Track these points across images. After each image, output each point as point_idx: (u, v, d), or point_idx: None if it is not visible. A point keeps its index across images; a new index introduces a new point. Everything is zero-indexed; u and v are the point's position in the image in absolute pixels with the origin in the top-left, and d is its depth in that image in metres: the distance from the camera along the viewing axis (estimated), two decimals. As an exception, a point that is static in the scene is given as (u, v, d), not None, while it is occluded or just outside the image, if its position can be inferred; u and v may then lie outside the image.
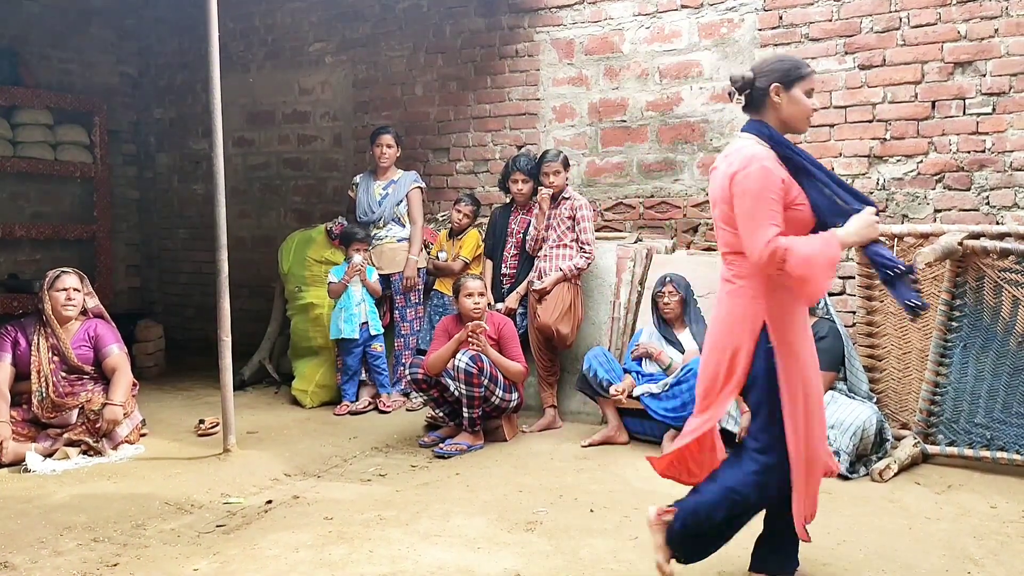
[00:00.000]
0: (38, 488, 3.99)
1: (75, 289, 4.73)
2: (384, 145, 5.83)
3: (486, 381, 4.57)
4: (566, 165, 5.26)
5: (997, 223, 4.70)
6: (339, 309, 5.65)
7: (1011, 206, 4.73)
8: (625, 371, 4.77)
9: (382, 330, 5.73)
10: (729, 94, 2.75)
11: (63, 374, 4.64)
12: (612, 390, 4.60)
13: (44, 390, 4.57)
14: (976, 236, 4.16)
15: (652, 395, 4.52)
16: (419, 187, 5.91)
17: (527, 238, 5.37)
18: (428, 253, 5.96)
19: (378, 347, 5.70)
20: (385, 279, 5.79)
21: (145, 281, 8.38)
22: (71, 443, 4.47)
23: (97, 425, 4.50)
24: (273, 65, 7.43)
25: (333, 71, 7.12)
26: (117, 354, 4.75)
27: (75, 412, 4.57)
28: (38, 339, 4.64)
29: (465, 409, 4.61)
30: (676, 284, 4.74)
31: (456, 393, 4.69)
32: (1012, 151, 4.72)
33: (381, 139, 5.85)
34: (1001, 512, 3.53)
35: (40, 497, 3.86)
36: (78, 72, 7.68)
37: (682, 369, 4.52)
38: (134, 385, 4.86)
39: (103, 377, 4.74)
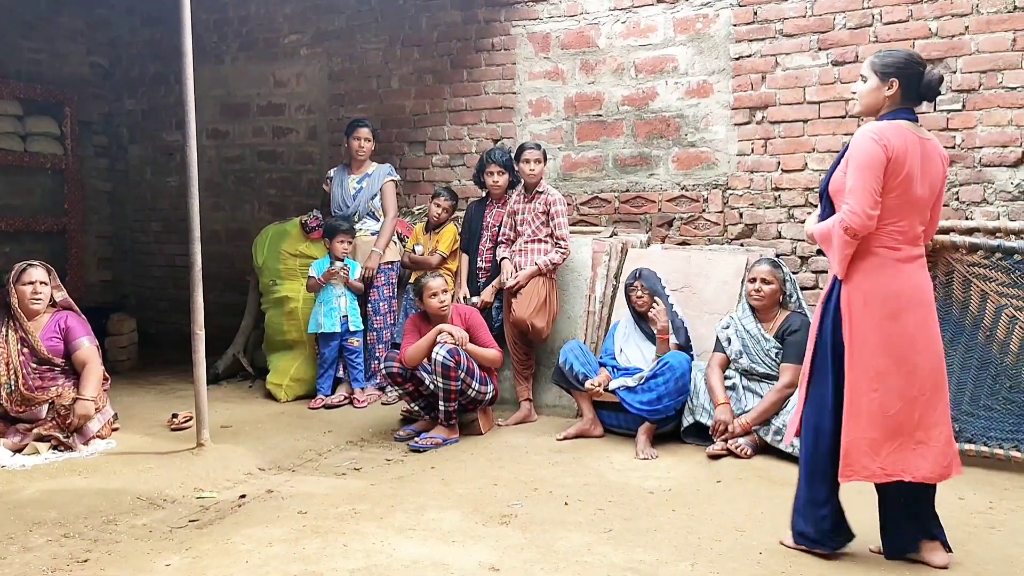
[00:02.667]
0: (7, 483, 3.94)
1: (42, 282, 4.66)
2: (362, 138, 5.80)
3: (463, 374, 4.58)
4: (545, 157, 5.26)
5: (967, 218, 4.76)
6: (319, 303, 5.63)
7: (980, 202, 4.80)
8: (601, 364, 4.79)
9: (362, 327, 5.72)
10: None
11: (33, 366, 4.58)
12: (588, 383, 4.62)
13: (13, 383, 4.51)
14: (946, 231, 4.21)
15: (628, 388, 4.53)
16: (393, 180, 5.89)
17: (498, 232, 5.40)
18: (403, 247, 5.95)
19: (355, 341, 5.68)
20: (359, 273, 5.78)
21: (117, 274, 8.28)
22: (41, 438, 4.42)
23: (68, 420, 4.45)
24: (247, 57, 7.37)
25: (308, 63, 7.08)
26: (87, 347, 4.69)
27: (45, 407, 4.52)
28: (7, 331, 4.59)
29: (441, 402, 4.61)
30: (644, 281, 4.76)
31: (432, 387, 4.68)
32: (981, 147, 4.78)
33: (359, 132, 5.81)
34: (969, 503, 3.59)
35: (9, 493, 3.81)
36: (48, 62, 7.57)
37: (658, 363, 4.54)
38: (106, 379, 4.81)
39: (73, 370, 4.68)
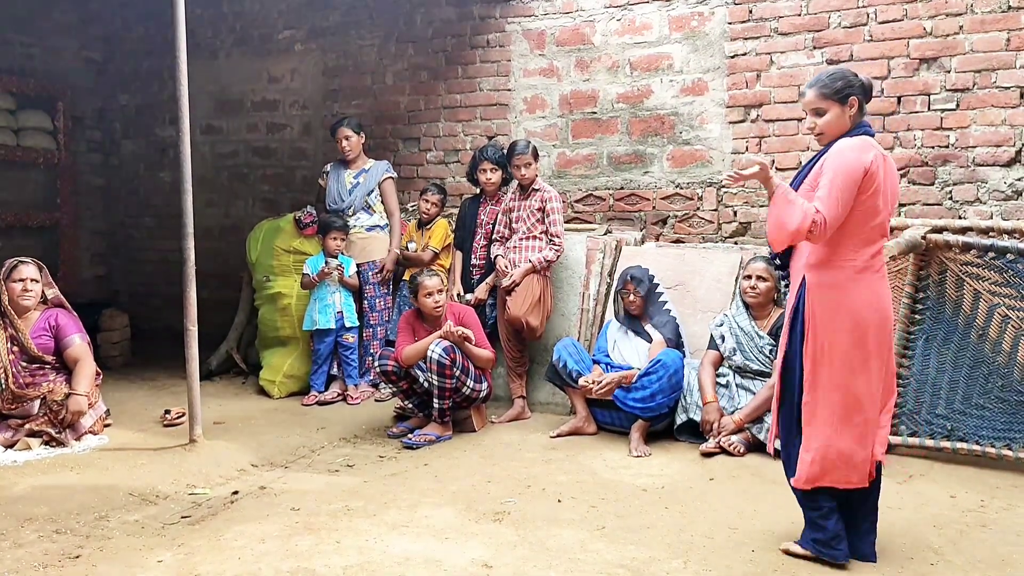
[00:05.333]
0: (-2, 479, 3.94)
1: (32, 279, 4.63)
2: (343, 138, 5.79)
3: (458, 372, 4.58)
4: (535, 156, 5.25)
5: (960, 217, 4.78)
6: (313, 300, 5.63)
7: (973, 201, 4.81)
8: (594, 362, 4.79)
9: (357, 323, 5.71)
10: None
11: (23, 364, 4.55)
12: (582, 381, 4.62)
13: (4, 380, 4.48)
14: (939, 230, 4.23)
15: (621, 386, 4.54)
16: (391, 177, 5.90)
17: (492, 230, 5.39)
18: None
19: (350, 338, 5.67)
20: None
21: (110, 270, 8.25)
22: (33, 434, 4.40)
23: (60, 416, 4.44)
24: (242, 52, 7.34)
25: (303, 59, 7.05)
26: (79, 344, 4.67)
27: (37, 403, 4.50)
28: (-3, 328, 4.57)
29: (435, 400, 4.61)
30: (637, 282, 4.76)
31: (426, 384, 4.68)
32: (975, 147, 4.79)
33: (339, 132, 5.80)
34: (960, 502, 3.60)
35: (0, 488, 3.80)
36: (41, 57, 7.53)
37: (651, 360, 4.55)
38: (98, 375, 4.79)
39: (64, 367, 4.66)
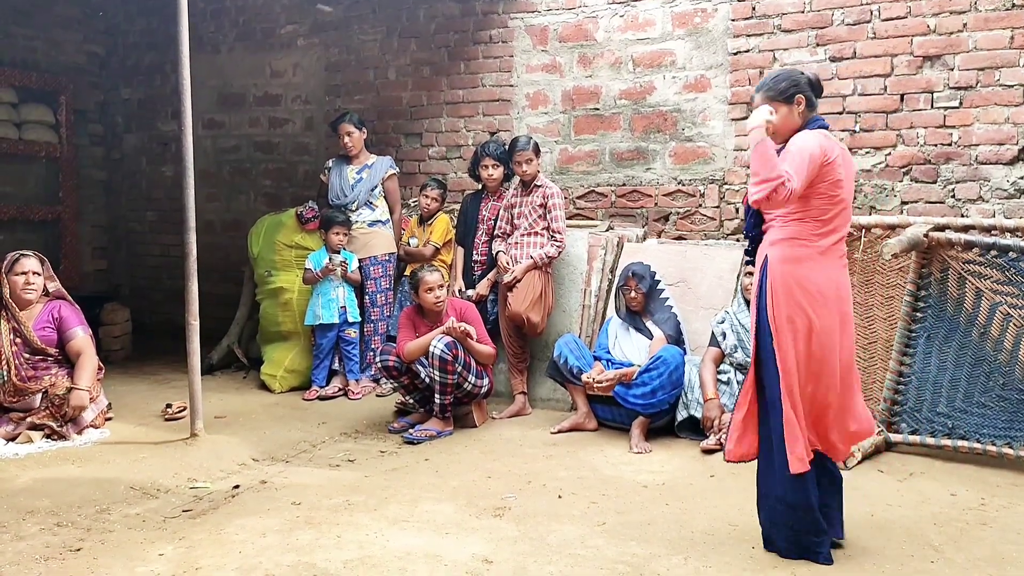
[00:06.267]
0: (0, 472, 3.93)
1: (34, 272, 4.64)
2: (344, 134, 5.79)
3: (460, 368, 4.58)
4: (537, 152, 5.25)
5: (962, 215, 4.77)
6: (316, 295, 5.64)
7: (976, 199, 4.81)
8: (595, 358, 4.79)
9: (360, 318, 5.71)
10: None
11: (25, 356, 4.56)
12: (584, 377, 4.62)
13: (6, 373, 4.49)
14: (941, 228, 4.22)
15: (622, 382, 4.54)
16: (394, 174, 5.91)
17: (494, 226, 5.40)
18: (400, 239, 5.95)
19: (352, 333, 5.68)
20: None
21: (112, 264, 8.25)
22: (34, 427, 4.41)
23: (62, 409, 4.44)
24: (244, 47, 7.34)
25: (305, 54, 7.05)
26: (81, 337, 4.68)
27: (38, 396, 4.51)
28: None
29: (437, 395, 4.61)
30: (639, 279, 4.76)
31: (427, 380, 4.69)
32: (978, 145, 4.79)
33: (341, 128, 5.80)
34: (961, 500, 3.60)
35: (2, 481, 3.81)
36: (43, 50, 7.52)
37: (652, 357, 4.55)
38: (100, 369, 4.80)
39: (67, 360, 4.67)
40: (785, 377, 2.92)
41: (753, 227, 3.10)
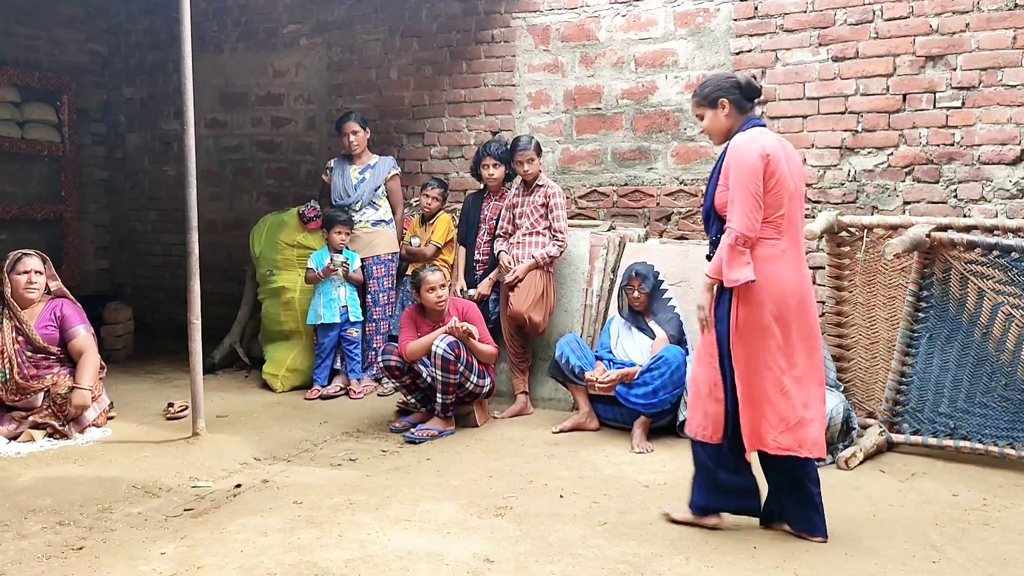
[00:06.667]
0: (2, 471, 3.94)
1: (36, 271, 4.64)
2: (349, 133, 5.80)
3: (462, 368, 4.58)
4: (539, 152, 5.25)
5: (964, 216, 4.77)
6: (318, 294, 5.64)
7: (978, 199, 4.80)
8: (597, 358, 4.79)
9: (362, 318, 5.71)
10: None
11: (28, 355, 4.56)
12: (587, 376, 4.62)
13: (8, 372, 4.50)
14: (944, 228, 4.22)
15: (623, 382, 4.54)
16: (397, 174, 5.92)
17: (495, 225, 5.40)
18: (401, 239, 5.95)
19: (354, 332, 5.68)
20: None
21: (114, 263, 8.26)
22: (37, 426, 4.42)
23: (64, 408, 4.44)
24: (246, 46, 7.34)
25: (307, 53, 7.05)
26: (84, 335, 4.68)
27: (41, 395, 4.51)
28: (1, 320, 4.57)
29: (439, 395, 4.61)
30: (642, 279, 4.75)
31: (429, 379, 4.69)
32: (980, 145, 4.78)
33: (345, 127, 5.81)
34: (963, 500, 3.59)
35: (4, 480, 3.81)
36: (46, 49, 7.52)
37: (654, 357, 4.55)
38: (102, 368, 4.80)
39: (69, 359, 4.67)
40: (738, 367, 3.09)
41: (718, 232, 3.17)
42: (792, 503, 3.16)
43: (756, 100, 3.26)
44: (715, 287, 3.15)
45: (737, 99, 3.19)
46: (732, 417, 3.15)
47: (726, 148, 3.17)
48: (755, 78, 3.24)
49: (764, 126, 3.21)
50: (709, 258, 3.22)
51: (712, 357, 3.18)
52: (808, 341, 3.12)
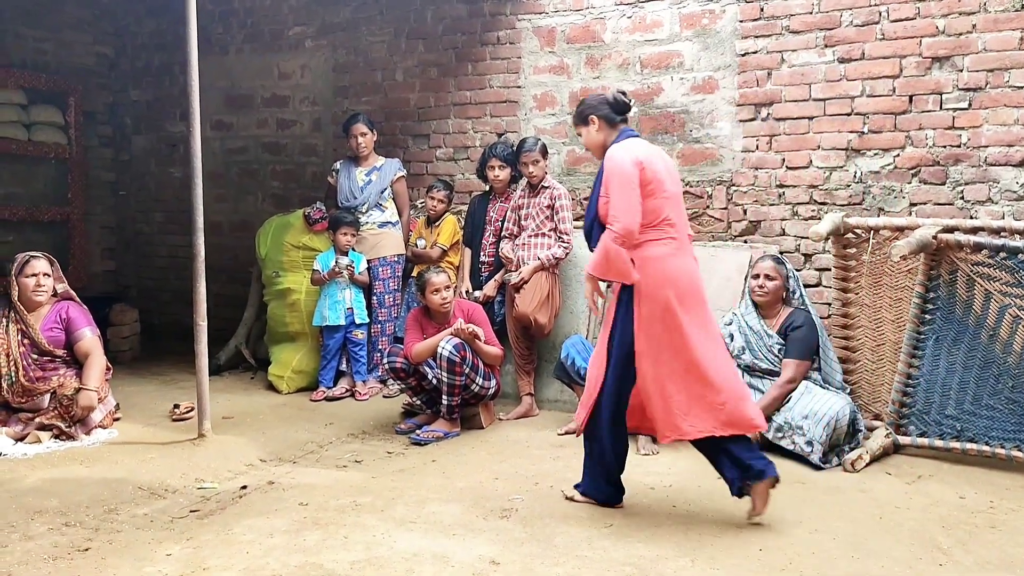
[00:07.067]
0: (9, 472, 3.95)
1: (45, 274, 4.66)
2: (357, 135, 5.80)
3: (468, 369, 4.58)
4: (544, 153, 5.25)
5: (971, 217, 4.75)
6: (324, 296, 5.65)
7: (985, 201, 4.79)
8: (602, 360, 4.78)
9: (368, 320, 5.72)
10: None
11: (33, 357, 4.58)
12: None
13: (14, 374, 4.51)
14: (950, 230, 4.20)
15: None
16: (403, 176, 5.93)
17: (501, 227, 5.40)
18: (407, 241, 5.95)
19: (359, 334, 5.69)
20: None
21: (120, 265, 8.28)
22: (43, 427, 4.43)
23: (70, 410, 4.46)
24: (252, 48, 7.35)
25: (313, 55, 7.06)
26: (90, 338, 4.70)
27: (47, 397, 4.52)
28: (6, 323, 4.58)
29: (444, 397, 4.61)
30: None
31: (435, 381, 4.69)
32: (987, 146, 4.76)
33: (353, 129, 5.81)
34: (969, 502, 3.58)
35: (11, 481, 3.82)
36: (53, 52, 7.55)
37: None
38: (108, 369, 4.81)
39: (75, 361, 4.68)
40: (640, 359, 3.31)
41: (598, 238, 3.38)
42: (736, 469, 3.32)
43: (626, 114, 3.53)
44: (614, 287, 3.43)
45: (606, 114, 3.49)
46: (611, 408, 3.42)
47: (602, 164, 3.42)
48: (624, 94, 3.52)
49: (638, 136, 3.51)
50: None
51: (604, 355, 3.43)
52: (708, 327, 3.37)
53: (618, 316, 3.39)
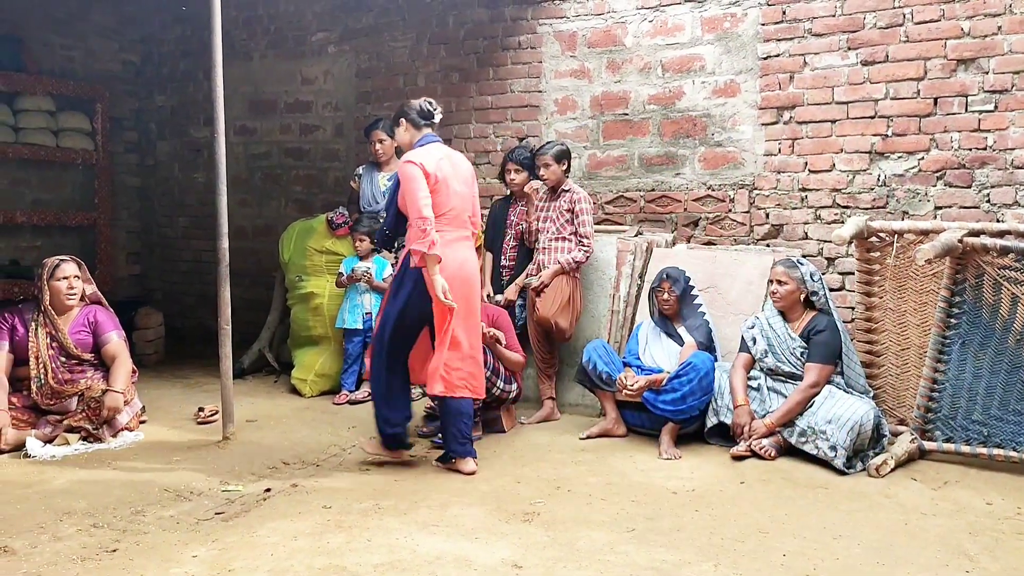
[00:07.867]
0: (38, 474, 4.01)
1: (76, 276, 4.73)
2: (376, 141, 5.84)
3: (488, 373, 4.58)
4: (558, 158, 5.20)
5: (997, 221, 4.70)
6: (345, 299, 5.71)
7: (1011, 204, 4.74)
8: (625, 364, 4.78)
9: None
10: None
11: (62, 360, 4.64)
12: (620, 376, 4.60)
13: (43, 377, 4.57)
14: (976, 233, 4.17)
15: (651, 388, 4.53)
16: None
17: (522, 230, 5.39)
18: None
19: (379, 338, 5.71)
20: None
21: (146, 269, 8.38)
22: (71, 429, 4.48)
23: (97, 412, 4.51)
24: (276, 54, 7.42)
25: (336, 61, 7.11)
26: (116, 341, 4.76)
27: (75, 399, 4.58)
28: (36, 326, 4.65)
29: (464, 400, 4.62)
30: (673, 281, 4.74)
31: (455, 384, 4.69)
32: (1013, 149, 4.72)
33: (372, 135, 5.85)
34: (996, 509, 3.55)
35: (40, 483, 3.88)
36: (80, 59, 7.66)
37: (683, 363, 4.53)
38: (134, 372, 4.87)
39: (102, 364, 4.74)
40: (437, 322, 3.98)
41: (394, 232, 4.24)
42: (448, 436, 4.04)
43: (429, 120, 4.15)
44: (397, 271, 4.11)
45: (413, 119, 4.17)
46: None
47: None
48: (430, 103, 4.17)
49: (438, 141, 4.17)
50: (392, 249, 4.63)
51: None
52: (468, 307, 4.03)
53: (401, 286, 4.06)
